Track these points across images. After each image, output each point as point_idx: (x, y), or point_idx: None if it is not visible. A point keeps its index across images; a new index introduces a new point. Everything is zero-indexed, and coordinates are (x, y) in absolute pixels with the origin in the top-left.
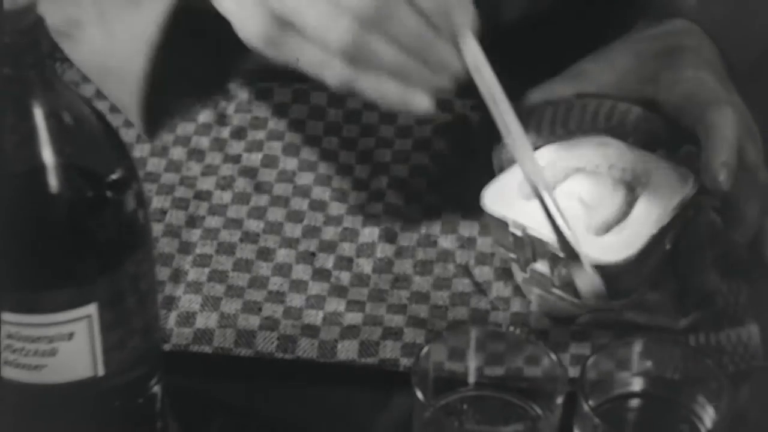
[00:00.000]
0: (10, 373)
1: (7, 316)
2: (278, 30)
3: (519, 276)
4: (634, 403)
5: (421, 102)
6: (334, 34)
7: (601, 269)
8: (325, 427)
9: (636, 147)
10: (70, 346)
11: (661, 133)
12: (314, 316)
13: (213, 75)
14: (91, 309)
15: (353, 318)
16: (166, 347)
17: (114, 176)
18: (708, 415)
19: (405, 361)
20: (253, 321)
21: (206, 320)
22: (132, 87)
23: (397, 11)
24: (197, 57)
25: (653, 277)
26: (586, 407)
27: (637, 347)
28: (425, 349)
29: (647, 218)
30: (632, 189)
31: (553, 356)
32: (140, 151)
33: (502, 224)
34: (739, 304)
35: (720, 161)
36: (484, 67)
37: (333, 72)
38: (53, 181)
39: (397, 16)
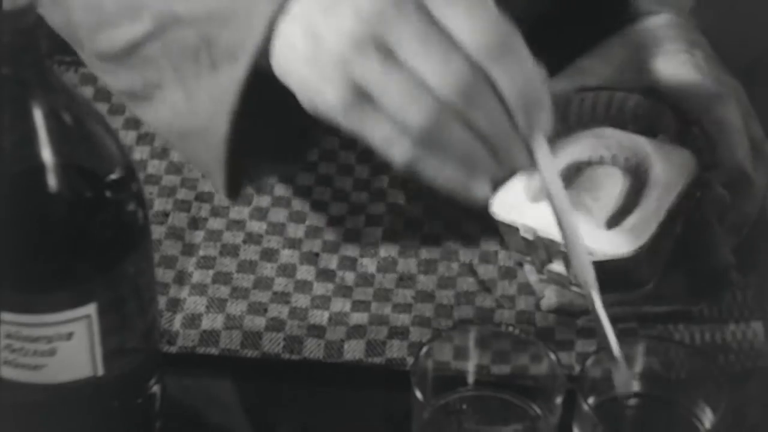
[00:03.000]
0: (10, 373)
1: (7, 316)
2: (355, 100)
3: (533, 276)
4: (634, 403)
5: (482, 191)
6: (414, 116)
7: (615, 263)
8: (327, 426)
9: (637, 134)
10: (69, 345)
11: (662, 117)
12: (320, 317)
13: (292, 142)
14: (90, 309)
15: (359, 318)
16: (173, 349)
17: (113, 176)
18: (707, 416)
19: (412, 361)
20: (259, 322)
21: (212, 322)
22: (215, 149)
23: (483, 100)
24: (276, 123)
25: (667, 262)
26: (585, 407)
27: (637, 347)
28: (424, 349)
29: (655, 205)
30: (637, 176)
31: (553, 356)
32: (141, 153)
33: (513, 229)
34: (746, 301)
35: (739, 157)
36: (552, 173)
37: (401, 151)
38: (52, 181)
39: (481, 105)
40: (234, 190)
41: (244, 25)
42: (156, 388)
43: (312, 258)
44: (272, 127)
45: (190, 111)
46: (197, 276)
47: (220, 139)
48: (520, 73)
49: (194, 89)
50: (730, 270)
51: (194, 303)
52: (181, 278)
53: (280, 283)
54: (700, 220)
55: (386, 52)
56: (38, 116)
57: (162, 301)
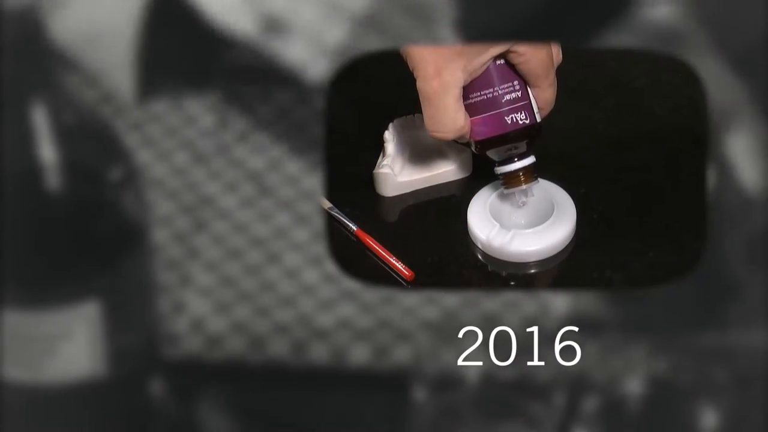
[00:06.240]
0: (10, 372)
1: (7, 314)
2: None
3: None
4: (633, 401)
5: None
6: None
7: None
8: (329, 427)
9: None
10: (69, 344)
11: None
12: (325, 321)
13: (196, 64)
14: (91, 308)
15: (364, 322)
16: (177, 352)
17: (113, 175)
18: (707, 416)
19: (415, 364)
20: (264, 326)
21: (216, 325)
22: (123, 51)
23: None
24: (181, 42)
25: None
26: (585, 407)
27: (638, 347)
28: (426, 347)
29: None
30: None
31: (553, 355)
32: (145, 156)
33: None
34: (748, 303)
35: None
36: None
37: None
38: (54, 180)
39: None
40: (144, 94)
41: None
42: (157, 390)
43: (317, 261)
44: (175, 47)
45: (97, 17)
46: (201, 279)
47: (128, 41)
48: None
49: None
50: None
51: (198, 307)
52: (185, 282)
53: (285, 287)
54: None
55: None
56: (40, 115)
57: (166, 305)
